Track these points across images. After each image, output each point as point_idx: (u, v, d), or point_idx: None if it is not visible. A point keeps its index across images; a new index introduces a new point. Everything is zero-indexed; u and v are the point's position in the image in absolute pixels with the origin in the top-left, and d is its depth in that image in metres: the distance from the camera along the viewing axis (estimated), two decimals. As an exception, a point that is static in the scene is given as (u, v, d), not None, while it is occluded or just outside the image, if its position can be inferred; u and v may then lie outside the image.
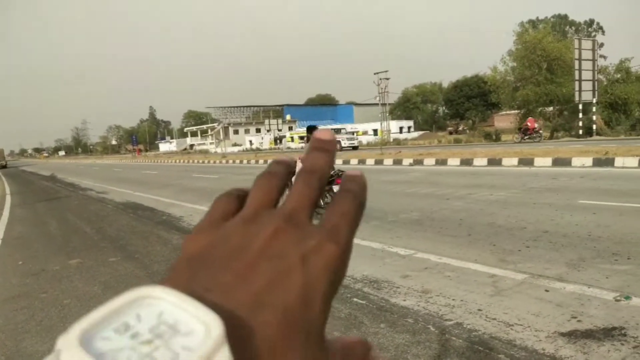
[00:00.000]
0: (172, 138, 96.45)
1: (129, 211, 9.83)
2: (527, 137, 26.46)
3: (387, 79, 42.31)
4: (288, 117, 63.47)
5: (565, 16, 62.95)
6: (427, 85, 75.65)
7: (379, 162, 17.90)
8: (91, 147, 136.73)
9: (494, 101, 39.72)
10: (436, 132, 61.06)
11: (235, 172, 18.83)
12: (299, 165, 0.26)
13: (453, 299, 3.63)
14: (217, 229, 0.24)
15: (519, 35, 34.58)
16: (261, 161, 24.80)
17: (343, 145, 32.38)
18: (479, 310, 3.40)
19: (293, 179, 0.26)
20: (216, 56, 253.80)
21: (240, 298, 0.20)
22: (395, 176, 12.56)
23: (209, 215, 0.25)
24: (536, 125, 27.04)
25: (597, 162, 11.48)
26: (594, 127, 27.26)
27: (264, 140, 55.52)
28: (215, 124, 75.03)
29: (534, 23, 52.43)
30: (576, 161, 11.90)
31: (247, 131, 69.80)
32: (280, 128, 52.99)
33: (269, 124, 53.43)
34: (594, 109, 27.71)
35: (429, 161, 15.87)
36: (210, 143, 69.01)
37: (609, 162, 11.26)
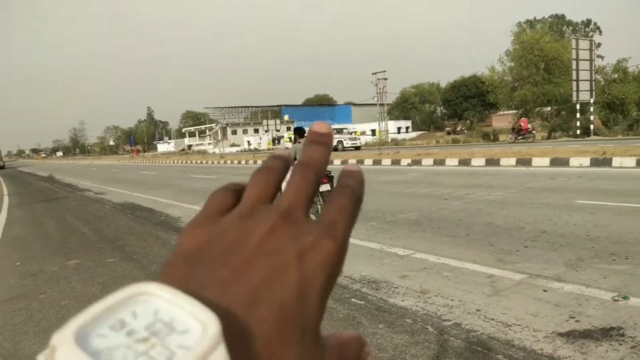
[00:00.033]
0: (170, 138, 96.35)
1: (127, 212, 9.81)
2: (520, 137, 27.31)
3: (385, 79, 42.38)
4: (286, 117, 63.32)
5: (563, 16, 63.06)
6: (425, 86, 75.71)
7: (377, 162, 17.91)
8: (89, 147, 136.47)
9: (491, 101, 39.82)
10: (434, 132, 61.14)
11: (234, 173, 18.81)
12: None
13: (451, 299, 3.64)
14: (213, 224, 0.24)
15: (516, 35, 34.63)
16: (259, 161, 24.66)
17: (345, 145, 32.22)
18: (478, 310, 3.40)
19: (289, 173, 0.26)
20: (214, 56, 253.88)
21: (237, 295, 0.20)
22: (394, 176, 12.57)
23: (205, 209, 0.25)
24: (529, 125, 28.00)
25: (595, 162, 11.50)
26: (592, 127, 27.32)
27: (262, 140, 55.51)
28: (213, 125, 74.97)
29: (531, 23, 52.50)
30: (574, 161, 11.93)
31: (245, 131, 69.74)
32: (278, 128, 52.91)
33: (267, 125, 53.41)
34: (591, 109, 27.76)
35: (427, 161, 15.88)
36: (209, 143, 68.96)
37: (607, 162, 11.28)
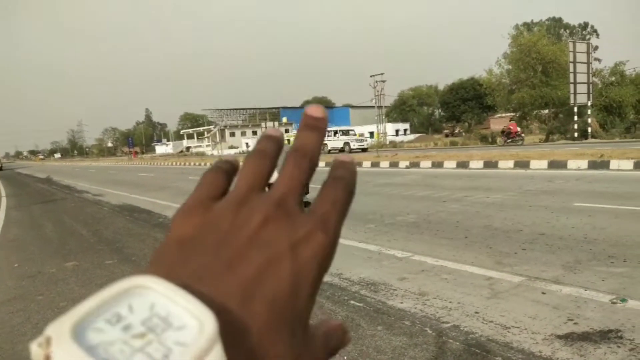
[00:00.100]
0: (168, 140, 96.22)
1: (125, 214, 9.80)
2: (509, 140, 27.81)
3: (383, 81, 42.46)
4: (284, 119, 63.35)
5: (560, 19, 63.35)
6: (423, 88, 75.80)
7: (375, 164, 17.92)
8: (87, 149, 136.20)
9: (489, 104, 39.90)
10: (432, 134, 61.23)
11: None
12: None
13: (450, 302, 3.64)
14: (206, 211, 0.23)
15: (514, 38, 34.80)
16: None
17: (352, 147, 32.00)
18: (476, 312, 3.41)
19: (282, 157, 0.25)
20: (213, 58, 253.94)
21: (231, 288, 0.20)
22: (392, 179, 12.57)
23: (197, 192, 0.25)
24: (518, 129, 28.66)
25: (593, 165, 11.53)
26: (589, 129, 27.43)
27: (260, 142, 55.45)
28: (211, 127, 74.95)
29: (528, 26, 52.68)
30: (572, 164, 11.96)
31: (243, 134, 69.77)
32: (276, 130, 53.00)
33: (266, 126, 53.48)
34: (589, 111, 27.86)
35: (426, 164, 15.90)
36: (207, 145, 68.97)
37: (605, 165, 11.32)
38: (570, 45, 27.72)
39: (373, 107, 45.40)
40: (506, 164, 13.48)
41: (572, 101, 27.15)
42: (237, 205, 0.23)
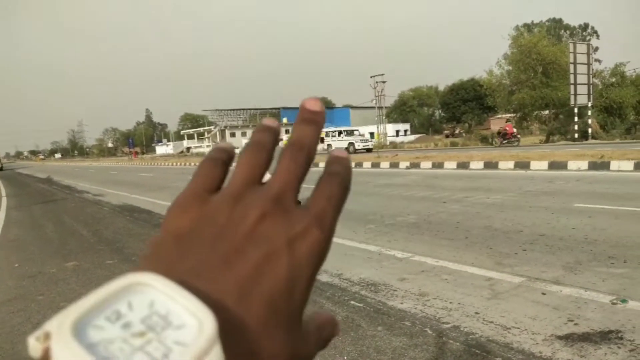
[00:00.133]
0: (168, 141, 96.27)
1: (126, 214, 9.80)
2: (505, 141, 27.86)
3: (384, 82, 42.54)
4: (285, 120, 63.37)
5: (560, 20, 63.39)
6: (424, 89, 75.84)
7: (375, 165, 17.92)
8: (87, 149, 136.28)
9: (490, 104, 39.91)
10: (432, 135, 61.26)
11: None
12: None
13: (450, 302, 3.64)
14: (202, 204, 0.23)
15: (514, 39, 34.77)
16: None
17: (357, 147, 31.84)
18: (476, 313, 3.41)
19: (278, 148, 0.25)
20: (213, 58, 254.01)
21: (229, 285, 0.20)
22: (392, 179, 12.57)
23: (193, 184, 0.24)
24: (514, 130, 28.74)
25: (593, 166, 11.54)
26: (590, 130, 27.43)
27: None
28: (212, 127, 75.00)
29: (529, 27, 52.70)
30: (572, 165, 11.96)
31: (243, 134, 69.77)
32: (277, 131, 53.02)
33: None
34: (589, 112, 27.87)
35: (426, 164, 15.90)
36: (207, 146, 68.98)
37: (605, 166, 11.32)
38: (571, 46, 27.73)
39: (373, 107, 45.45)
40: (506, 165, 13.48)
41: (572, 102, 27.16)
42: (234, 199, 0.23)
